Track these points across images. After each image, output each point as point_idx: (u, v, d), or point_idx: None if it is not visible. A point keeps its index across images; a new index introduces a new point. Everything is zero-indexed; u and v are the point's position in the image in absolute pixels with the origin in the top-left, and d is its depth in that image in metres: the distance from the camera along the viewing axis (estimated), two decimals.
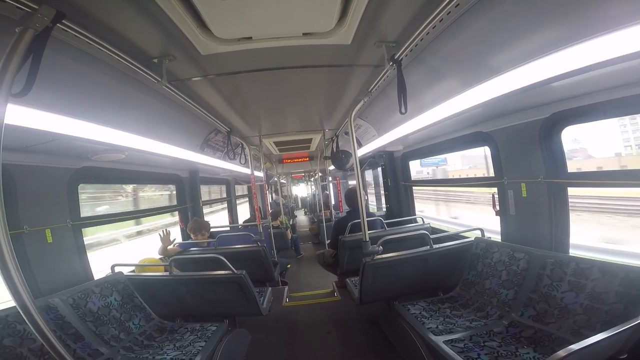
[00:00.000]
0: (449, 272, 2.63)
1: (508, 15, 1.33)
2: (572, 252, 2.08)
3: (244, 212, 7.49)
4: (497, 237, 2.64)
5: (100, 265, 2.69)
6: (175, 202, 4.29)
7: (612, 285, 1.56)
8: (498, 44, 1.50)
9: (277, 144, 4.91)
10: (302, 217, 13.75)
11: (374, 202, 7.24)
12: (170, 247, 3.29)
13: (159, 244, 3.30)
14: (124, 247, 7.78)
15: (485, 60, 1.62)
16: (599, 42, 1.17)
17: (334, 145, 4.39)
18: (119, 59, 1.45)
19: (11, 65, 0.91)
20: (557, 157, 2.13)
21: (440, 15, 1.32)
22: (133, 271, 2.70)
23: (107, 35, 1.33)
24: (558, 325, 1.72)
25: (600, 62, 1.23)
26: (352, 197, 3.81)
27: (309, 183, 13.16)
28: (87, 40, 1.26)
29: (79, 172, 2.48)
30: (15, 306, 0.94)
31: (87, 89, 1.68)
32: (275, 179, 8.48)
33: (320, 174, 7.86)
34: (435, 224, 3.98)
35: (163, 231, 3.33)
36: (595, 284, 1.64)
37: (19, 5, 0.97)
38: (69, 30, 1.16)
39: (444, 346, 1.80)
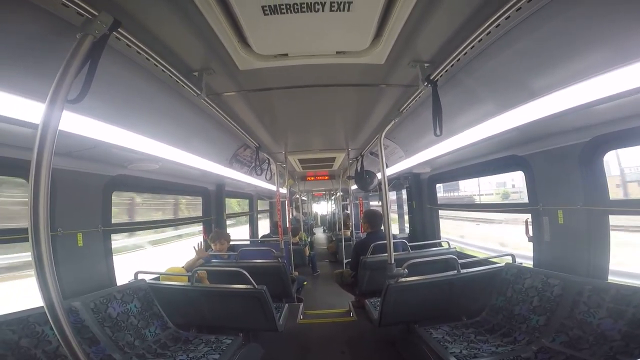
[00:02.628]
0: (475, 298, 2.53)
1: (552, 35, 1.28)
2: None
3: (263, 227, 7.51)
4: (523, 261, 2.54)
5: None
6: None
7: None
8: (539, 66, 1.45)
9: (301, 161, 4.95)
10: (320, 235, 13.63)
11: (396, 225, 7.05)
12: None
13: (191, 255, 3.13)
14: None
15: (524, 82, 1.57)
16: None
17: (359, 165, 4.36)
18: (163, 70, 1.50)
19: (70, 72, 0.95)
20: (598, 183, 2.03)
21: (481, 36, 1.29)
22: (156, 279, 2.72)
23: (155, 46, 1.38)
24: (592, 352, 1.65)
25: None
26: (373, 218, 3.73)
27: (330, 201, 13.10)
28: (137, 49, 1.31)
29: (114, 179, 2.57)
30: (40, 307, 0.93)
31: (131, 98, 1.76)
32: (297, 195, 8.52)
33: (341, 193, 7.81)
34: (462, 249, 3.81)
35: (198, 244, 3.19)
36: (637, 310, 1.56)
37: (80, 11, 1.01)
38: (122, 39, 1.20)
39: None
